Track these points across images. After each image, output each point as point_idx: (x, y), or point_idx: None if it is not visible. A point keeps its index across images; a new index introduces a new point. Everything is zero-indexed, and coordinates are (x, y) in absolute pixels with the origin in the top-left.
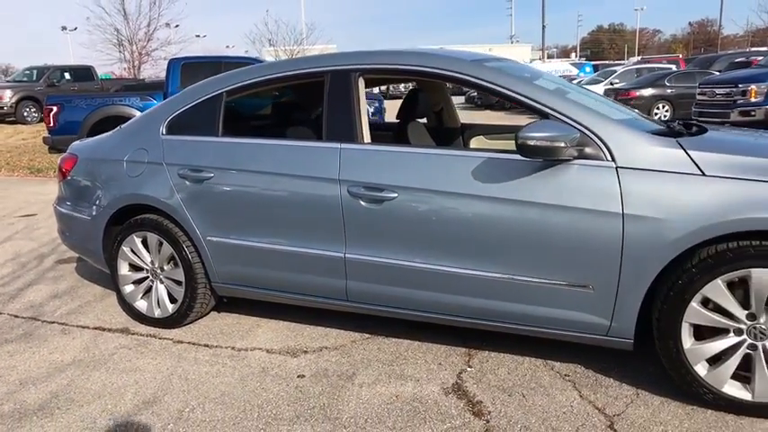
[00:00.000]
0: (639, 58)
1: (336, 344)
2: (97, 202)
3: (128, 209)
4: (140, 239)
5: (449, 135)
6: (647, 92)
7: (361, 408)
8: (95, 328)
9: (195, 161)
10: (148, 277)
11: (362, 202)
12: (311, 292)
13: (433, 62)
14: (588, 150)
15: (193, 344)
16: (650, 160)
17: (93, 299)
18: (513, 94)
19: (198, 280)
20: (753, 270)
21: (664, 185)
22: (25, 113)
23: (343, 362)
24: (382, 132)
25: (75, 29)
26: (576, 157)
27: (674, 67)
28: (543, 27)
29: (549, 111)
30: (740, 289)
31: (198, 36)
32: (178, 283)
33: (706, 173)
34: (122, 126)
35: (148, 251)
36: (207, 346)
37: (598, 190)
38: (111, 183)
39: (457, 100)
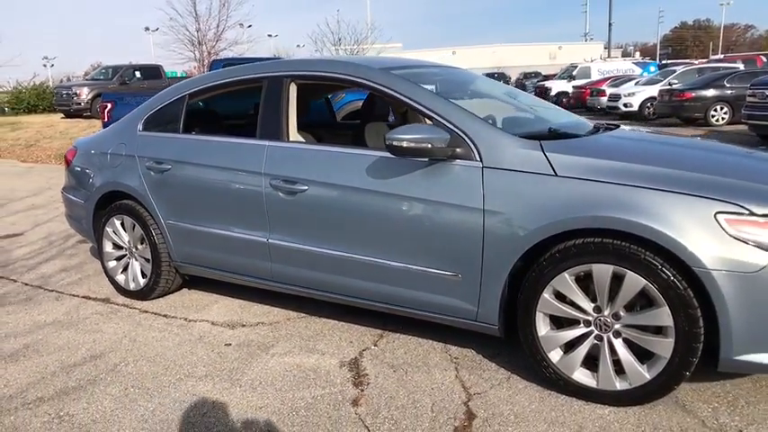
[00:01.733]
0: (722, 56)
1: (273, 320)
2: (89, 188)
3: (110, 195)
4: (119, 222)
5: None
6: (704, 93)
7: (262, 373)
8: (83, 297)
9: (159, 154)
10: (126, 255)
11: (281, 194)
12: (245, 272)
13: (347, 69)
14: (462, 151)
15: (155, 314)
16: (512, 161)
17: (93, 273)
18: (407, 100)
19: (162, 259)
20: (593, 265)
21: (520, 184)
22: (99, 109)
23: (269, 335)
24: (344, 132)
25: (157, 29)
26: (450, 157)
27: (741, 67)
28: (609, 25)
29: (433, 115)
30: (589, 283)
31: (270, 36)
32: (148, 260)
33: (558, 173)
34: (114, 123)
35: (126, 232)
36: (165, 316)
37: (466, 187)
38: (98, 172)
39: None
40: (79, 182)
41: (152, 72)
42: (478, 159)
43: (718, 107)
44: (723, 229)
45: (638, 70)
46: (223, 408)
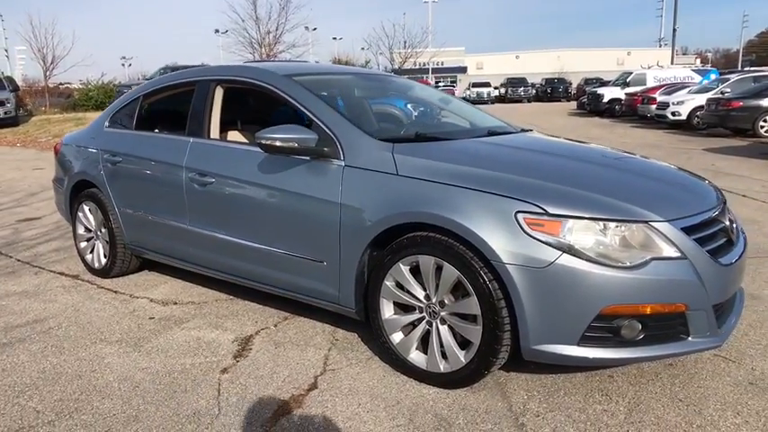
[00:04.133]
0: None
1: (203, 300)
2: (66, 178)
3: (81, 183)
4: (88, 208)
5: None
6: (755, 102)
7: (164, 342)
8: (58, 273)
9: (114, 148)
10: (93, 237)
11: (195, 185)
12: (174, 254)
13: (253, 74)
14: (330, 150)
15: (109, 290)
16: (367, 161)
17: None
18: (296, 103)
19: (118, 242)
20: (420, 257)
21: (369, 181)
22: None
23: (191, 313)
24: None
25: (227, 31)
26: (321, 156)
27: None
28: (674, 30)
29: (313, 118)
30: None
31: (334, 39)
32: (108, 243)
33: (399, 173)
34: (94, 120)
35: (92, 216)
36: (116, 292)
37: (330, 183)
38: (72, 163)
39: (570, 106)
40: (62, 172)
41: None
42: (342, 159)
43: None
44: (520, 227)
45: (697, 78)
46: (112, 366)
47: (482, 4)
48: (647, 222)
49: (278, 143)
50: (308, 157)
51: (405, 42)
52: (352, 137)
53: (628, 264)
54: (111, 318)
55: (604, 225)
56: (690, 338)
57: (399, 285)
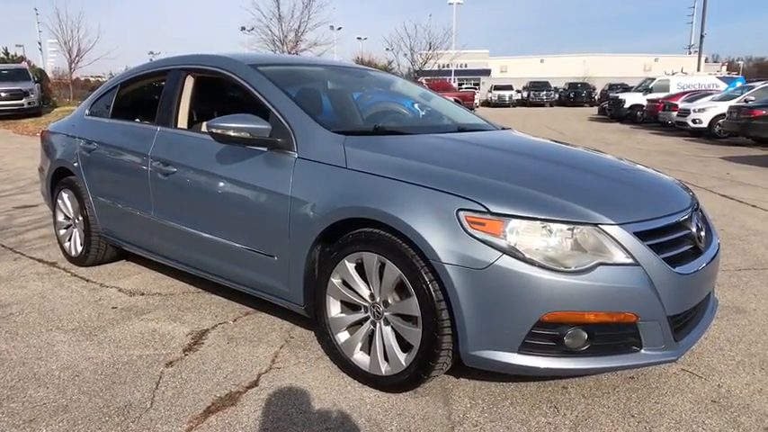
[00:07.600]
0: None
1: (170, 292)
2: (48, 165)
3: (61, 171)
4: (66, 195)
5: None
6: None
7: (119, 332)
8: (37, 260)
9: (90, 136)
10: (71, 225)
11: (159, 175)
12: (140, 244)
13: (218, 62)
14: (284, 141)
15: (82, 278)
16: (319, 153)
17: None
18: (256, 93)
19: (92, 230)
20: (363, 254)
21: (318, 174)
22: None
23: (154, 304)
24: None
25: (252, 29)
26: (276, 147)
27: None
28: (701, 36)
29: (271, 108)
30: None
31: (359, 39)
32: (84, 231)
33: (348, 166)
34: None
35: (70, 204)
36: (87, 280)
37: (282, 175)
38: (53, 150)
39: (592, 111)
40: (45, 159)
41: None
42: (296, 150)
43: None
44: (461, 225)
45: (722, 85)
46: (59, 354)
47: (509, 8)
48: (595, 225)
49: (231, 132)
50: (265, 149)
51: (429, 44)
52: (307, 129)
53: (572, 268)
54: (74, 306)
55: (549, 226)
56: (642, 351)
57: (345, 283)
